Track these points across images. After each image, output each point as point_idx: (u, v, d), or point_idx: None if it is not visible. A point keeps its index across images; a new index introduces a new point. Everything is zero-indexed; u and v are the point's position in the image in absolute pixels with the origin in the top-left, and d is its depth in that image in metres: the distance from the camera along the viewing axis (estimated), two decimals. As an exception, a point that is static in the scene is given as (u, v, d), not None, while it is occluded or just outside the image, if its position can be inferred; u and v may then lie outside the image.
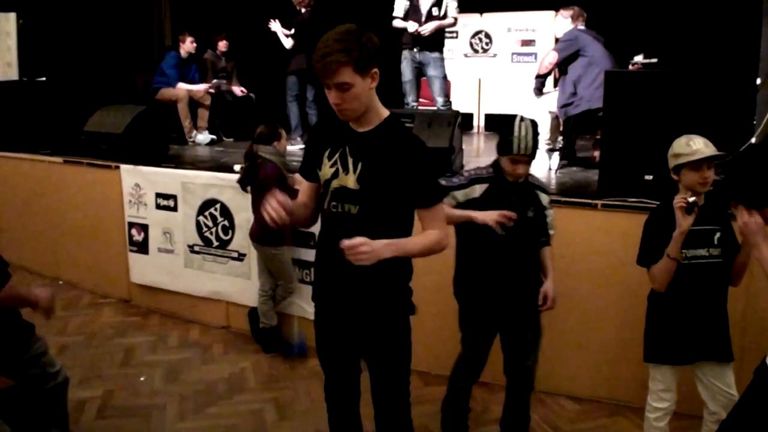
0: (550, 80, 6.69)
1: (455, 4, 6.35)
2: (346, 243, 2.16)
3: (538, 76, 5.84)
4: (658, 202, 3.26)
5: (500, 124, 3.21)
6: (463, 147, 5.30)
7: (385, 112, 2.43)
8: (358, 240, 2.16)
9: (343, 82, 2.23)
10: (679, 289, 3.04)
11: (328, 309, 2.61)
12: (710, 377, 3.07)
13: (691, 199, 2.90)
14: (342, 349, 2.65)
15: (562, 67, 5.50)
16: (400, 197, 2.39)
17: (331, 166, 2.42)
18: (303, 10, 7.04)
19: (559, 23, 5.74)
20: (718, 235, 3.02)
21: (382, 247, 2.23)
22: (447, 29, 6.55)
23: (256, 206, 4.58)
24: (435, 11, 6.26)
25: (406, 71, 6.48)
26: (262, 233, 4.59)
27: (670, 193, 3.09)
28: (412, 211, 2.49)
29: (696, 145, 2.94)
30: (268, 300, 4.79)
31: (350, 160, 2.38)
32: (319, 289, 2.64)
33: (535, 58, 10.09)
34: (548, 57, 5.53)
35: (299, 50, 6.90)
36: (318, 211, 2.60)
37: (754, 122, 5.13)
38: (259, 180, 4.51)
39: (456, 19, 6.42)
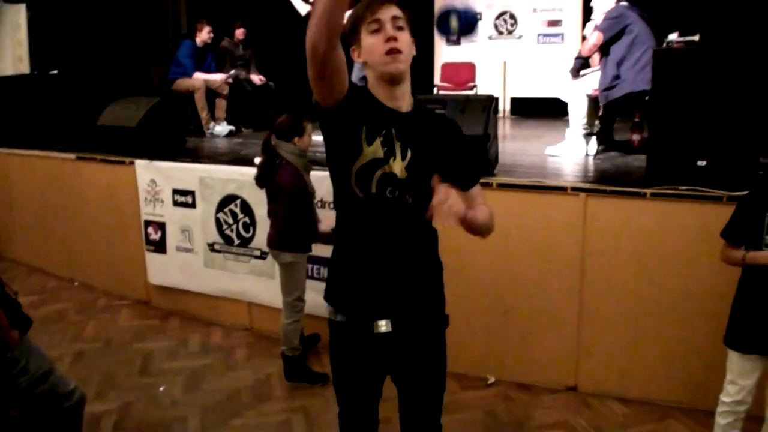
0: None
1: None
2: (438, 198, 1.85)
3: (578, 57, 5.50)
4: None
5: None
6: (496, 134, 4.98)
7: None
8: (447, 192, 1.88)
9: (398, 16, 2.05)
10: (763, 277, 2.81)
11: (360, 315, 2.17)
12: None
13: None
14: (374, 368, 2.26)
15: (604, 47, 5.14)
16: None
17: (374, 148, 2.07)
18: None
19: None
20: None
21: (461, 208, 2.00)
22: None
23: (273, 209, 4.14)
24: None
25: None
26: (281, 237, 4.09)
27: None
28: None
29: None
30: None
31: (398, 145, 2.08)
32: (354, 293, 2.19)
33: (562, 39, 9.81)
34: (592, 38, 5.17)
35: None
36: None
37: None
38: (274, 185, 4.05)
39: None
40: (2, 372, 2.63)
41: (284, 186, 3.97)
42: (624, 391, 3.99)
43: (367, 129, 2.06)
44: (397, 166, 2.08)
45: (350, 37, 2.11)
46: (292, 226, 4.04)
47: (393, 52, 2.02)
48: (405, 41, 2.05)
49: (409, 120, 2.12)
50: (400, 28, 2.05)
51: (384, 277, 2.15)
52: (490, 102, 4.36)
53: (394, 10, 2.05)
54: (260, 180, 4.13)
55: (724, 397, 2.97)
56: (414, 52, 2.12)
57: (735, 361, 2.94)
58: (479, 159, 2.26)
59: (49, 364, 2.78)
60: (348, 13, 1.97)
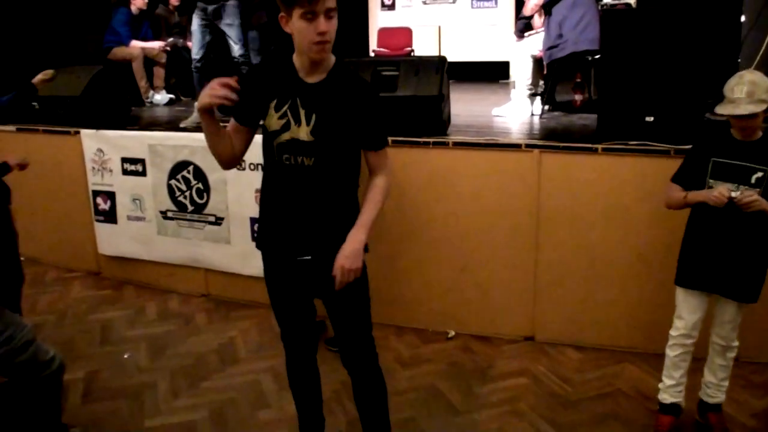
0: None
1: None
2: (338, 279, 2.34)
3: (521, 18, 5.62)
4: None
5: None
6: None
7: (333, 57, 2.37)
8: (340, 268, 2.34)
9: (333, 8, 2.18)
10: (705, 218, 3.01)
11: (284, 253, 2.52)
12: (718, 310, 3.09)
13: (734, 195, 2.80)
14: (298, 292, 2.61)
15: (546, 8, 5.28)
16: (353, 144, 2.42)
17: (280, 118, 2.36)
18: None
19: None
20: (759, 174, 2.86)
21: (360, 245, 2.36)
22: None
23: None
24: None
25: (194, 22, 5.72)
26: None
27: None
28: (359, 156, 2.49)
29: (738, 94, 2.80)
30: None
31: (302, 113, 2.33)
32: (271, 236, 2.55)
33: (496, 3, 9.93)
34: (534, -3, 5.31)
35: (259, 7, 6.54)
36: (240, 157, 2.54)
37: (739, 61, 5.04)
38: None
39: None
40: None
41: None
42: (579, 339, 4.17)
43: (276, 102, 2.36)
44: (302, 131, 2.33)
45: (283, 5, 2.21)
46: None
47: (321, 43, 2.19)
48: (333, 29, 2.21)
49: (316, 89, 2.33)
50: (330, 18, 2.18)
51: (298, 226, 2.44)
52: (443, 63, 4.45)
53: (330, 1, 2.16)
54: None
55: (672, 332, 3.19)
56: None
57: (680, 296, 3.15)
58: (385, 127, 2.46)
59: (29, 334, 2.76)
60: None
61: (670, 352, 3.20)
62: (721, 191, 2.81)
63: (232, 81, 2.20)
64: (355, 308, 2.59)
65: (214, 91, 2.19)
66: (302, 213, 2.41)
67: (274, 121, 2.36)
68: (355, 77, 2.41)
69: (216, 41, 5.76)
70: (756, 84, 2.77)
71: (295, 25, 2.19)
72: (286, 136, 2.35)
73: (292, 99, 2.33)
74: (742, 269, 2.97)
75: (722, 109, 2.84)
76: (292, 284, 2.57)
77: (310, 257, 2.47)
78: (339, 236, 2.39)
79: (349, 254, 2.32)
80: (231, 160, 2.52)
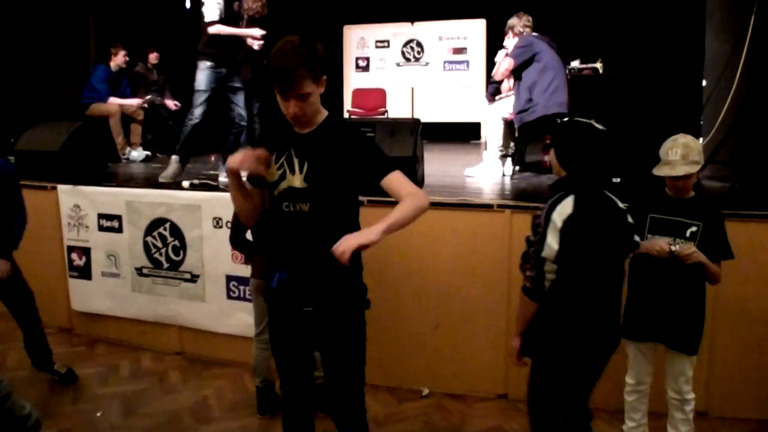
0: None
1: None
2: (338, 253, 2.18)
3: (492, 82, 5.81)
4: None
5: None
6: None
7: (325, 112, 2.54)
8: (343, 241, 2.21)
9: (305, 93, 2.37)
10: (645, 270, 3.14)
11: (288, 304, 2.61)
12: (667, 363, 3.20)
13: (674, 249, 2.99)
14: (298, 343, 2.68)
15: (516, 73, 5.47)
16: (347, 188, 2.54)
17: (278, 169, 2.53)
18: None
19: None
20: (693, 229, 3.05)
21: (371, 234, 2.22)
22: None
23: None
24: None
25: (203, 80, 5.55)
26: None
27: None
28: (357, 204, 2.63)
29: (673, 156, 3.00)
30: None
31: (296, 161, 2.50)
32: (276, 288, 2.63)
33: (467, 65, 10.22)
34: (504, 63, 5.51)
35: (244, 61, 6.65)
36: (259, 214, 2.69)
37: (701, 122, 5.24)
38: None
39: None
40: None
41: None
42: (550, 396, 4.22)
43: (276, 155, 2.54)
44: (297, 179, 2.49)
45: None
46: None
47: (297, 120, 2.44)
48: (308, 106, 2.41)
49: (307, 138, 2.51)
50: (304, 97, 2.38)
51: (300, 275, 2.55)
52: (417, 125, 4.58)
53: (303, 88, 2.35)
54: None
55: (627, 379, 3.35)
56: (323, 90, 2.46)
57: (630, 350, 3.29)
58: (385, 155, 2.54)
59: (6, 389, 2.76)
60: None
61: (627, 398, 3.37)
62: (662, 245, 2.98)
63: (264, 153, 2.42)
64: (350, 361, 2.66)
65: (251, 163, 2.39)
66: (303, 261, 2.52)
67: (273, 172, 2.52)
68: (346, 125, 2.59)
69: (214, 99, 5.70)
70: (689, 147, 2.98)
71: (278, 97, 2.42)
72: (283, 185, 2.50)
73: (287, 150, 2.52)
74: (681, 320, 3.11)
75: (660, 171, 3.04)
76: (295, 336, 2.65)
77: (311, 308, 2.56)
78: (339, 286, 2.52)
79: (357, 234, 2.24)
80: (254, 216, 2.66)
